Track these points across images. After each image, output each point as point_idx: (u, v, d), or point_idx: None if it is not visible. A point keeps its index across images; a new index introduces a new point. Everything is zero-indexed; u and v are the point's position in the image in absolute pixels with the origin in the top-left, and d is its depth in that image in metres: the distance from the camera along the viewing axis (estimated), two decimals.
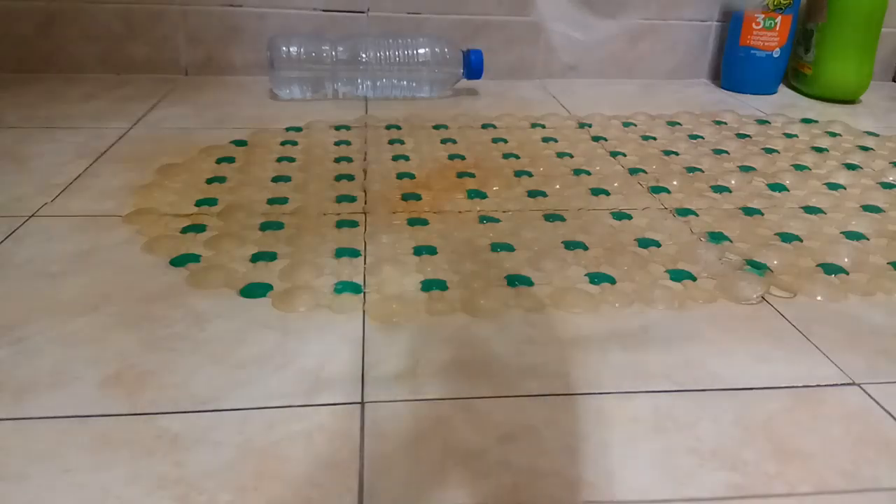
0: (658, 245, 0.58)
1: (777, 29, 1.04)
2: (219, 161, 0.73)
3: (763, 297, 0.52)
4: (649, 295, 0.51)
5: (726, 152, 0.81)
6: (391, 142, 0.81)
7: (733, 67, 1.09)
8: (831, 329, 0.48)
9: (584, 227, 0.61)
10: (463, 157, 0.76)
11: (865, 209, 0.67)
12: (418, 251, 0.55)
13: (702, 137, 0.86)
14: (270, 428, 0.37)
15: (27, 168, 0.69)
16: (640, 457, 0.36)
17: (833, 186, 0.72)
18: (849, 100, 1.05)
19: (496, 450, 0.36)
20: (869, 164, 0.79)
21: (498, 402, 0.40)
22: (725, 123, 0.92)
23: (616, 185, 0.70)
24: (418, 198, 0.66)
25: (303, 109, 0.90)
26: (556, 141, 0.83)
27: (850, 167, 0.77)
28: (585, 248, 0.57)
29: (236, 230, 0.58)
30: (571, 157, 0.78)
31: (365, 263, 0.54)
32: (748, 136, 0.87)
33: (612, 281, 0.52)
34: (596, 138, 0.84)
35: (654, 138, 0.85)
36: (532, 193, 0.67)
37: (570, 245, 0.57)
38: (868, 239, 0.61)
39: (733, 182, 0.72)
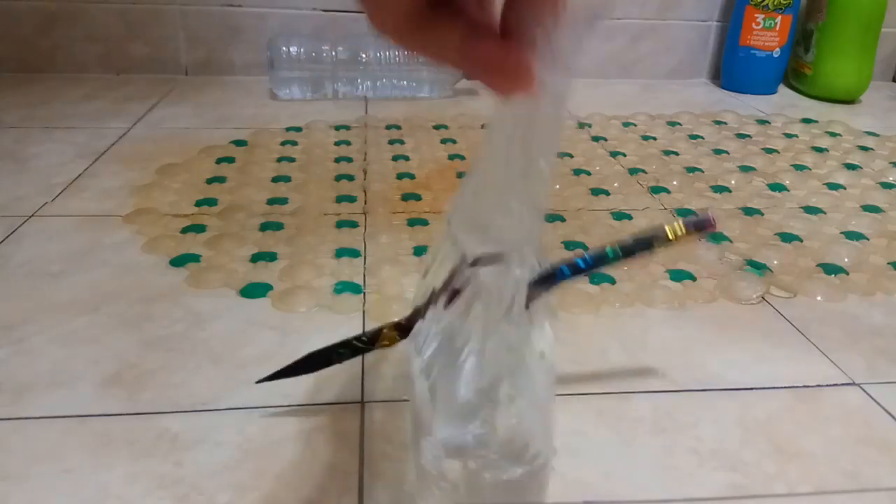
0: None
1: (777, 29, 1.04)
2: (219, 161, 0.73)
3: (763, 297, 0.51)
4: (649, 295, 0.51)
5: (726, 152, 0.81)
6: (391, 142, 0.81)
7: (733, 67, 1.09)
8: (831, 329, 0.48)
9: (584, 227, 0.61)
10: (463, 157, 0.76)
11: (865, 209, 0.67)
12: (418, 251, 0.55)
13: (702, 137, 0.86)
14: (270, 428, 0.37)
15: (27, 168, 0.69)
16: (640, 457, 0.36)
17: (833, 186, 0.72)
18: (849, 100, 1.05)
19: None
20: (869, 164, 0.79)
21: None
22: (725, 123, 0.92)
23: (616, 185, 0.70)
24: (418, 198, 0.66)
25: (303, 109, 0.90)
26: None
27: (850, 167, 0.77)
28: (585, 248, 0.57)
29: (236, 230, 0.58)
30: (571, 157, 0.78)
31: (365, 264, 0.54)
32: (748, 136, 0.87)
33: (612, 281, 0.52)
34: (596, 138, 0.84)
35: (654, 138, 0.85)
36: None
37: (570, 245, 0.57)
38: (868, 239, 0.61)
39: (733, 182, 0.72)
